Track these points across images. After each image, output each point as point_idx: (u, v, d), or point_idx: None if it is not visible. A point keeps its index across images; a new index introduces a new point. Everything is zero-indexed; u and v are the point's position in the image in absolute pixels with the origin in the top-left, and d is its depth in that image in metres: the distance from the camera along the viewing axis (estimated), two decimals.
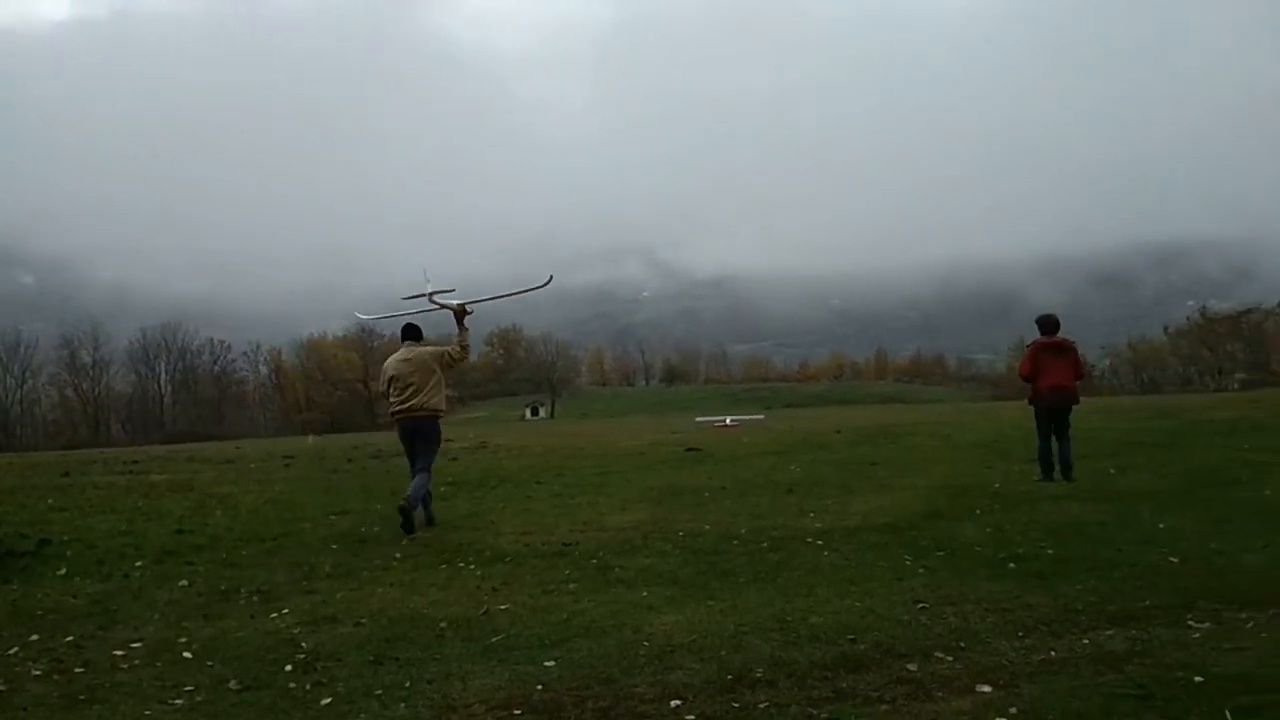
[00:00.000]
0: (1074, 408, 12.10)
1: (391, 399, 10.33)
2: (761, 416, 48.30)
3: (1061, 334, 12.20)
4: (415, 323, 11.01)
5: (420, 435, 10.16)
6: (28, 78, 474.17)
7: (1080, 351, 12.45)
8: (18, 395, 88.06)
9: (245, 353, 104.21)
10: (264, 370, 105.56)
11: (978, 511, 9.55)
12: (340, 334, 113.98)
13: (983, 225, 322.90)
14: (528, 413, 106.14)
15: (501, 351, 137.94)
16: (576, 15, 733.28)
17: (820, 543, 8.13)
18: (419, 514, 9.80)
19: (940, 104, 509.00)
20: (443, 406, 10.48)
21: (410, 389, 10.09)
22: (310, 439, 40.23)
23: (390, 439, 30.39)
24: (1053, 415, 11.95)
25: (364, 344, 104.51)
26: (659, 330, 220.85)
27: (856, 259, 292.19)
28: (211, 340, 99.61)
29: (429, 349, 10.42)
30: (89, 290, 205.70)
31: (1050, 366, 11.91)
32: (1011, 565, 6.98)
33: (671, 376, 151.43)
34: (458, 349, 10.45)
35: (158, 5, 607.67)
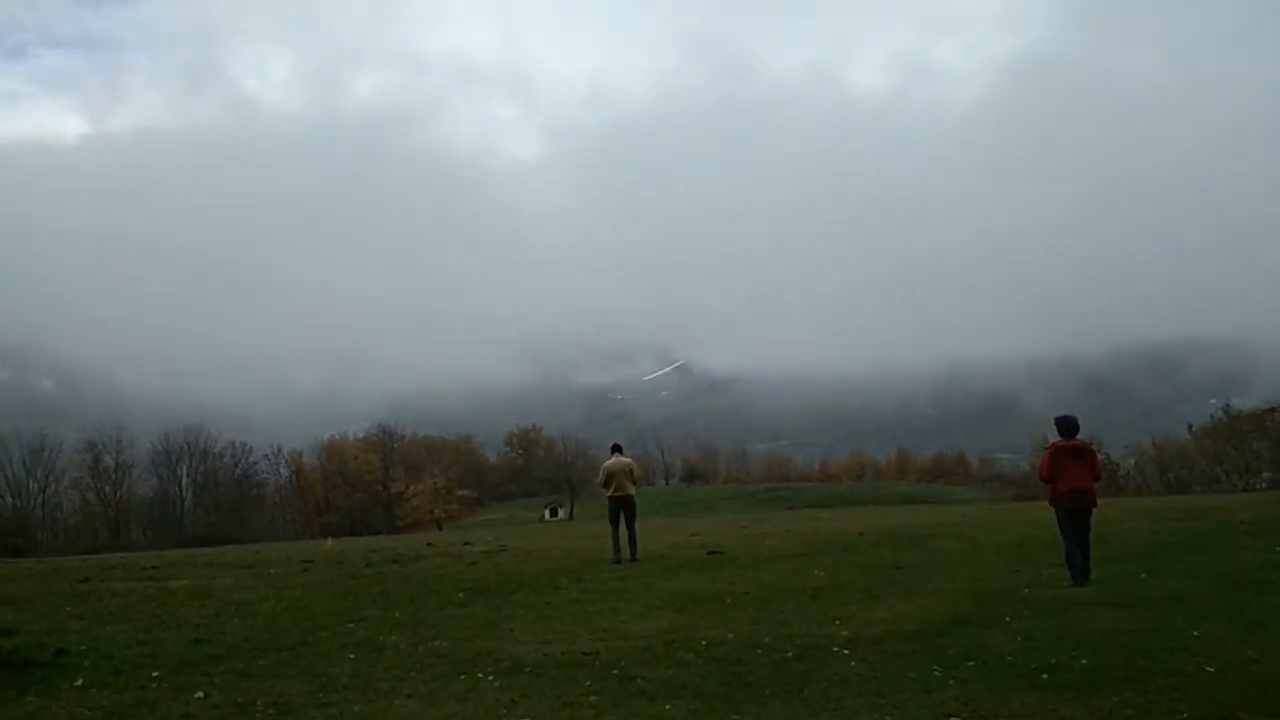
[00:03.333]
0: (1094, 510, 12.14)
1: (609, 487, 17.74)
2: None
3: (1081, 436, 12.29)
4: (619, 442, 19.65)
5: (625, 508, 17.49)
6: (50, 189, 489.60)
7: (1099, 453, 12.48)
8: (40, 499, 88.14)
9: (266, 455, 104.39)
10: (284, 472, 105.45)
11: (1007, 618, 9.35)
12: (361, 435, 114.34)
13: (977, 327, 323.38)
14: (546, 513, 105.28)
15: (520, 451, 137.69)
16: (572, 125, 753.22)
17: (847, 652, 7.97)
18: (625, 552, 17.16)
19: (928, 207, 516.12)
20: (634, 492, 18.00)
21: (620, 481, 17.63)
22: (329, 542, 39.99)
23: (408, 543, 30.70)
24: (1073, 517, 11.98)
25: (384, 445, 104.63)
26: (678, 429, 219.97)
27: (863, 358, 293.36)
28: (233, 443, 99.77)
29: (628, 460, 18.45)
30: (109, 394, 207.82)
31: (1070, 469, 12.00)
32: (1044, 676, 6.81)
33: (691, 476, 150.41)
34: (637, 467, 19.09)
35: (174, 121, 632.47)
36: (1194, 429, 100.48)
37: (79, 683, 7.64)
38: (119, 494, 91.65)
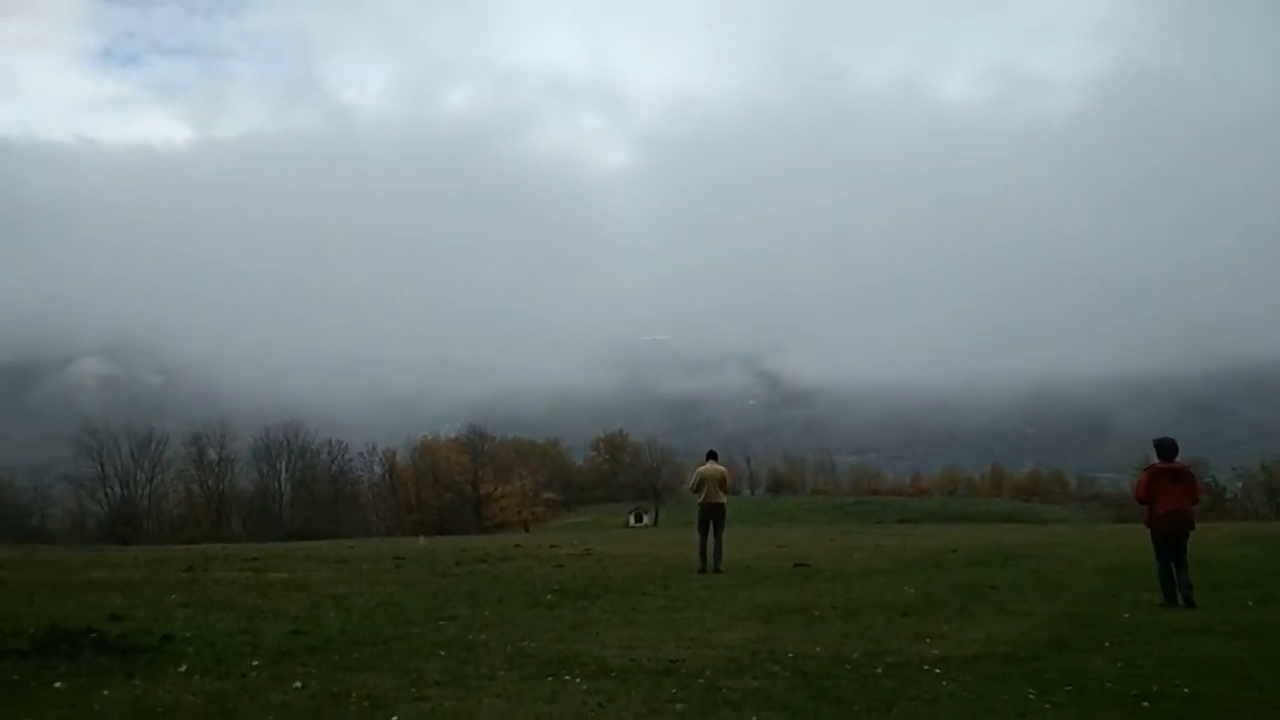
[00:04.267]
0: (1190, 533, 12.05)
1: (700, 493, 17.70)
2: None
3: (1180, 459, 12.30)
4: (715, 449, 19.18)
5: (715, 516, 17.35)
6: (158, 193, 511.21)
7: (1199, 477, 12.20)
8: (147, 490, 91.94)
9: (361, 453, 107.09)
10: (378, 470, 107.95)
11: (1106, 643, 9.07)
12: (453, 436, 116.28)
13: (1072, 343, 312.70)
14: (631, 519, 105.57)
15: (607, 456, 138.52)
16: (660, 134, 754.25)
17: (938, 671, 7.81)
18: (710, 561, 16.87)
19: (1022, 221, 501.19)
20: (725, 501, 17.82)
21: (712, 488, 17.55)
22: (421, 540, 40.80)
23: (496, 543, 31.17)
24: (1169, 540, 11.91)
25: (475, 447, 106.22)
26: (764, 439, 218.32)
27: (956, 372, 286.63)
28: (330, 441, 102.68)
29: (721, 467, 18.24)
30: (209, 391, 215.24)
31: (1168, 491, 11.96)
32: (1145, 704, 6.60)
33: (778, 486, 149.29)
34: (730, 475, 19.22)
35: (275, 129, 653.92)
36: None
37: (183, 668, 7.93)
38: (221, 486, 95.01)
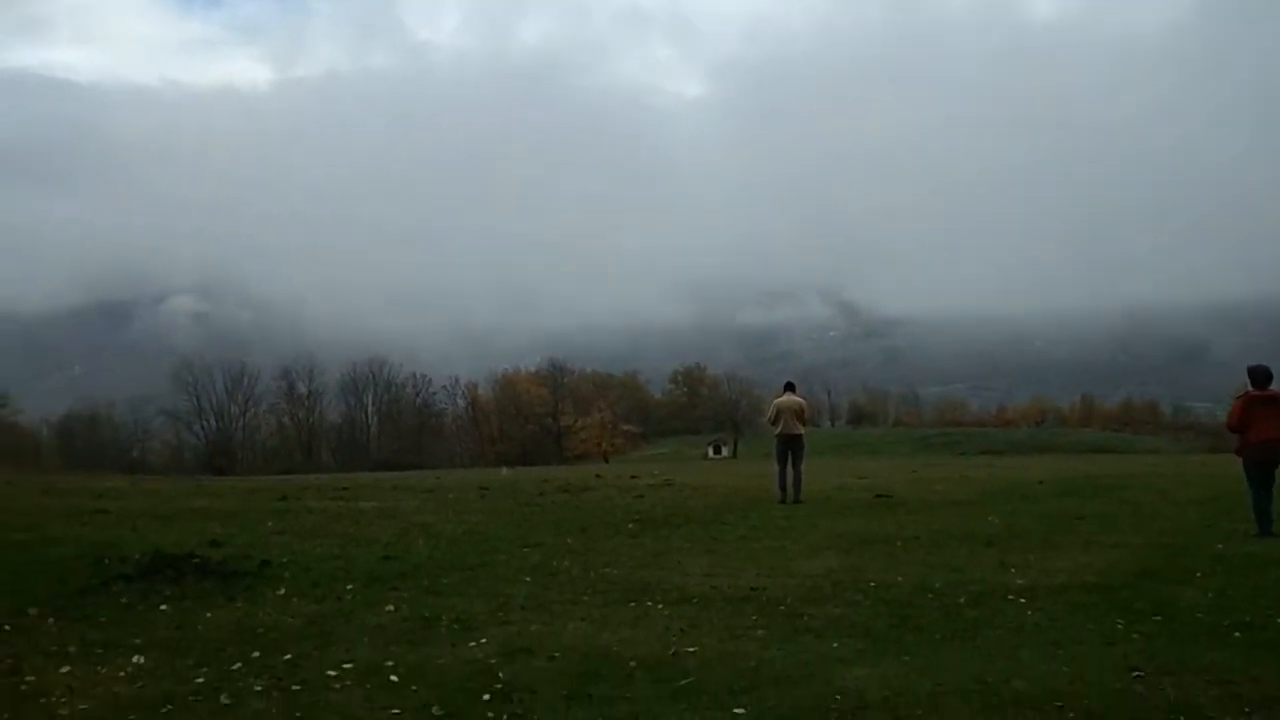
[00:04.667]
0: None
1: (778, 425, 17.54)
2: None
3: (1275, 386, 12.01)
4: (793, 380, 19.30)
5: (793, 448, 17.17)
6: (244, 133, 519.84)
7: None
8: (241, 422, 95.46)
9: (445, 386, 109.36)
10: (461, 403, 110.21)
11: (1198, 574, 8.86)
12: (533, 369, 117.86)
13: (1165, 269, 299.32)
14: (710, 451, 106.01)
15: (686, 389, 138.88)
16: (734, 61, 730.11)
17: (1023, 600, 7.74)
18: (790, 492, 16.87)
19: (1113, 143, 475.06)
20: (802, 432, 17.56)
21: (789, 420, 17.34)
22: (505, 471, 41.61)
23: (577, 473, 31.63)
24: (1261, 470, 11.82)
25: (555, 380, 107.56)
26: (845, 371, 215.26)
27: (1043, 300, 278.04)
28: (414, 374, 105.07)
29: (799, 399, 18.02)
30: (296, 326, 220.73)
31: (1262, 419, 11.76)
32: (1237, 634, 6.45)
33: (859, 418, 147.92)
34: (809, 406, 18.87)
35: (354, 68, 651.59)
36: None
37: (281, 591, 8.26)
38: (311, 419, 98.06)
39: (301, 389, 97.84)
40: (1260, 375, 12.00)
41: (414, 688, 5.40)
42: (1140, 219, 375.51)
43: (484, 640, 6.51)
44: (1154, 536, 11.82)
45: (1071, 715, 4.77)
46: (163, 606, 7.58)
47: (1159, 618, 7.02)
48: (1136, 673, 5.46)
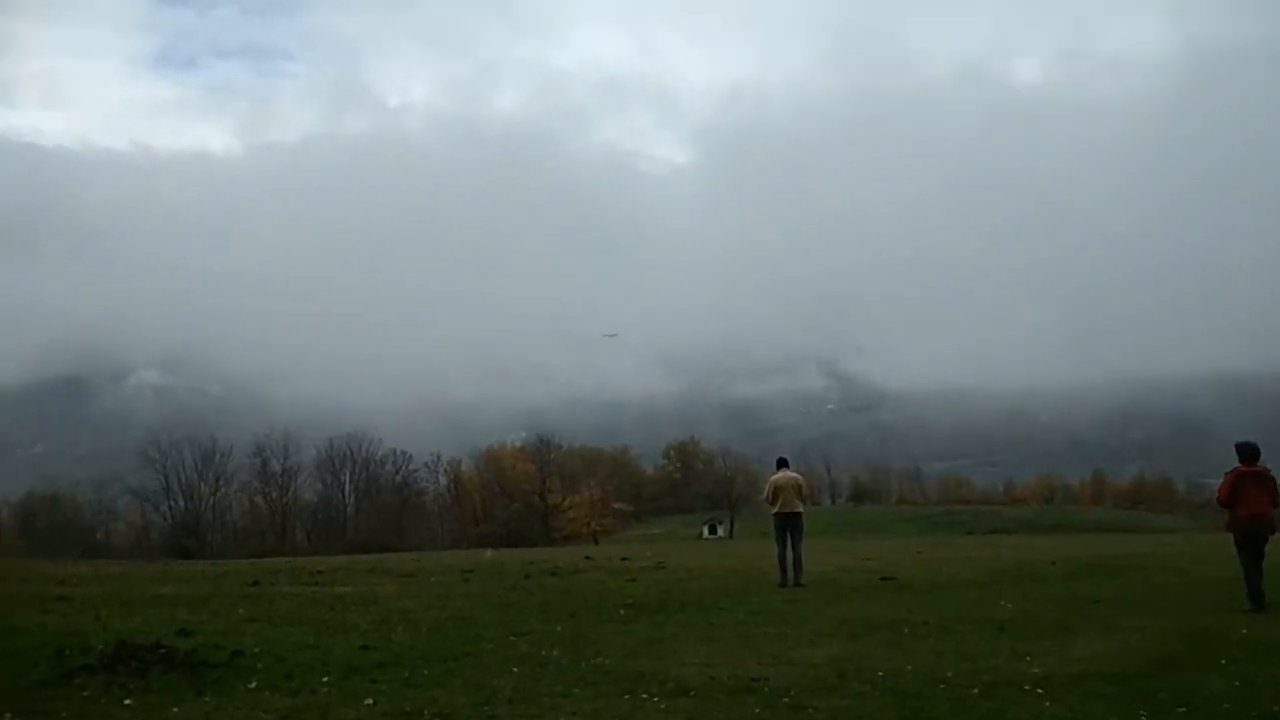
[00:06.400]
0: (1270, 536, 12.41)
1: (776, 503, 16.96)
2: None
3: (1262, 463, 12.49)
4: (785, 456, 18.55)
5: (792, 527, 16.63)
6: (214, 199, 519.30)
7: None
8: (210, 502, 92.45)
9: (426, 463, 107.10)
10: (443, 480, 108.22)
11: (1222, 661, 8.50)
12: (518, 444, 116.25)
13: (1166, 342, 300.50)
14: (705, 530, 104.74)
15: (679, 465, 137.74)
16: (713, 128, 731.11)
17: (1040, 691, 7.36)
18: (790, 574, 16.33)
19: (1105, 211, 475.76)
20: (802, 510, 17.20)
21: (788, 497, 16.92)
22: (489, 553, 40.81)
23: (566, 556, 31.02)
24: (1251, 542, 12.25)
25: (542, 455, 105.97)
26: (843, 445, 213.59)
27: (1048, 373, 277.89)
28: (394, 451, 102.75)
29: (795, 475, 17.82)
30: (268, 401, 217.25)
31: (1250, 494, 12.22)
32: None
33: (860, 495, 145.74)
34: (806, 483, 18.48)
35: (327, 134, 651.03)
36: None
37: (253, 684, 7.81)
38: (285, 498, 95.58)
39: (275, 466, 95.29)
40: (1248, 452, 12.50)
41: None
42: (1137, 290, 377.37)
43: None
44: (1174, 620, 11.51)
45: None
46: (127, 701, 7.18)
47: (1184, 709, 6.75)
48: None
